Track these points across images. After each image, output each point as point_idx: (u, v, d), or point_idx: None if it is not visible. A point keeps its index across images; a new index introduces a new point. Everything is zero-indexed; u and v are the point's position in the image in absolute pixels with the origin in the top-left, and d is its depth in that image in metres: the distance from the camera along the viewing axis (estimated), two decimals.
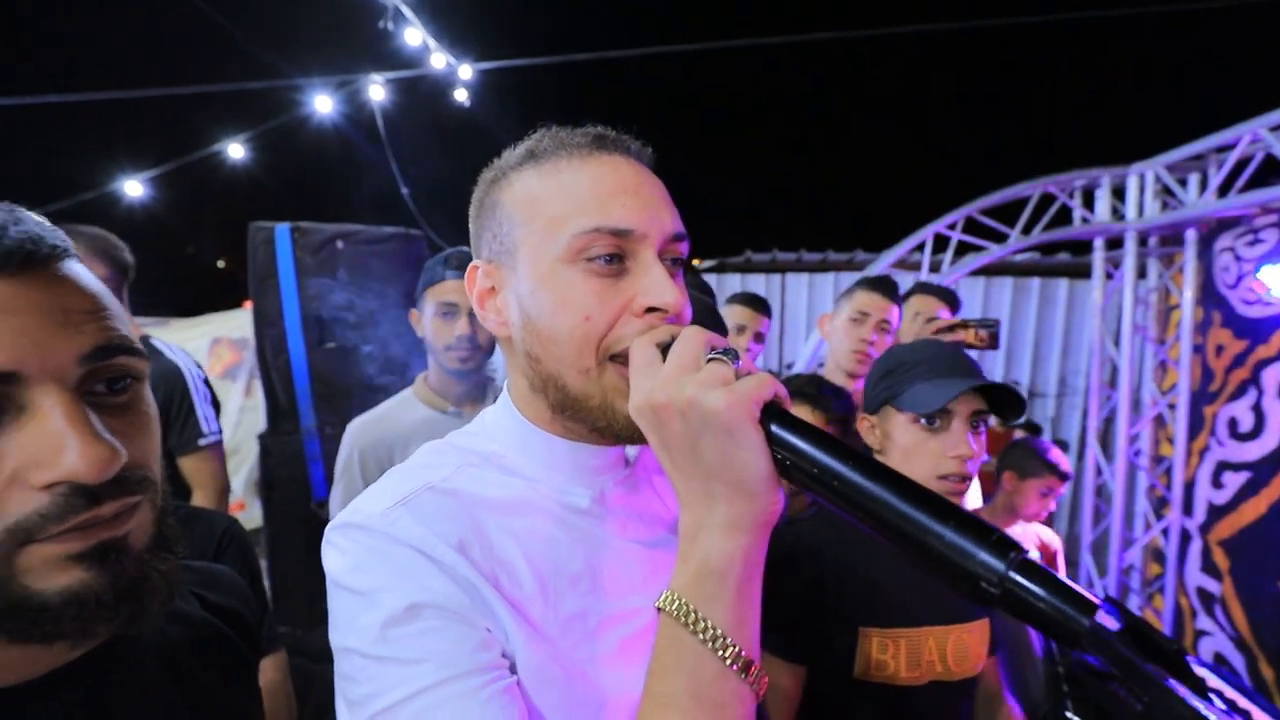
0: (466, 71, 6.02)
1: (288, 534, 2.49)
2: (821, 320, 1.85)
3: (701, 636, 0.48)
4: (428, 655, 0.50)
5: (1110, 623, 1.35)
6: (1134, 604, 3.52)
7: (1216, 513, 2.95)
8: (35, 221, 0.43)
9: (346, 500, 1.54)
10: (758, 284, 7.11)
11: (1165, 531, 3.26)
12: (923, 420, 1.03)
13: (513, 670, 0.53)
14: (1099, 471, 3.61)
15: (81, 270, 0.44)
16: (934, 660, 1.03)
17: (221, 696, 0.59)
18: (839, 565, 1.05)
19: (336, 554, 0.55)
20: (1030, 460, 1.98)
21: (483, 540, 0.56)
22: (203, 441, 1.82)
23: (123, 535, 0.42)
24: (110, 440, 0.41)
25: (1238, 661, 2.84)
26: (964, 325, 1.77)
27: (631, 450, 0.70)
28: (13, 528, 0.38)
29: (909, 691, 1.01)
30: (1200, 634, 3.04)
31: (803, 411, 1.37)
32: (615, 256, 0.57)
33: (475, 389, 1.62)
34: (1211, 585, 2.98)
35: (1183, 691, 1.05)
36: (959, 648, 1.03)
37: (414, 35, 4.97)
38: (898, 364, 1.09)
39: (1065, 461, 1.99)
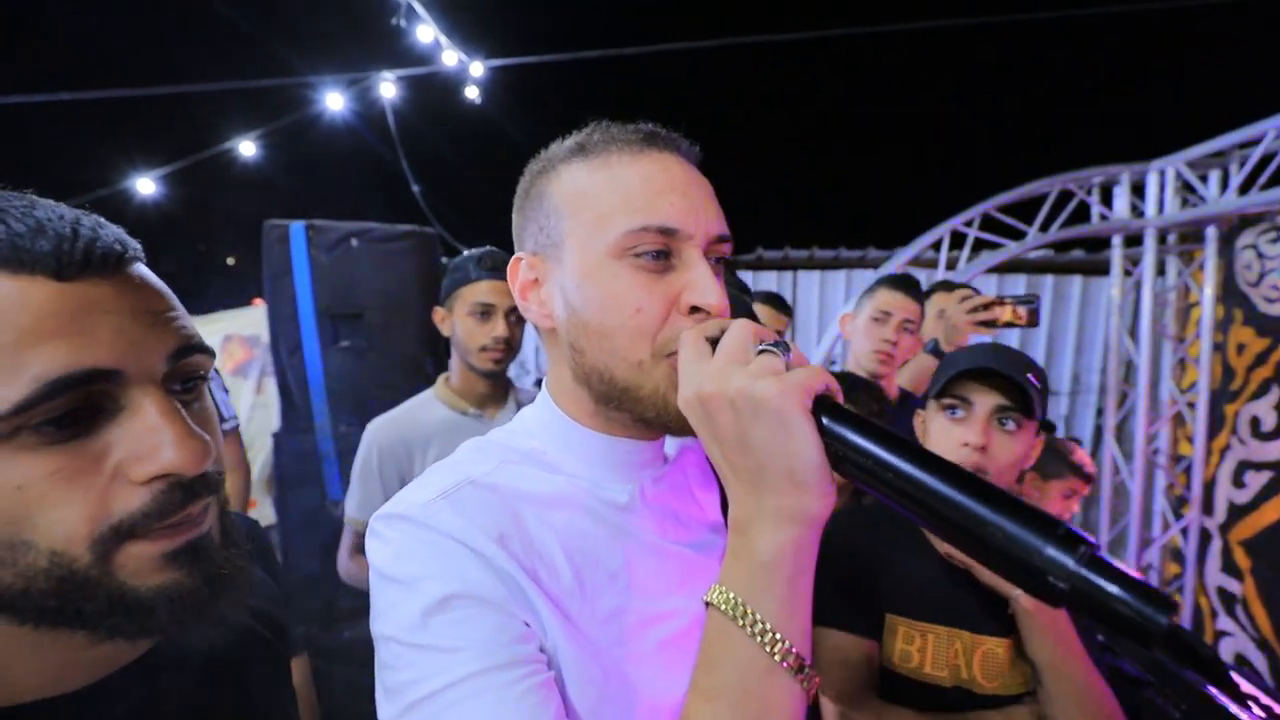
0: (478, 69, 6.01)
1: (301, 533, 2.49)
2: (843, 320, 1.82)
3: (750, 630, 0.47)
4: (467, 644, 0.50)
5: None
6: None
7: (1238, 512, 2.91)
8: (118, 229, 0.46)
9: (365, 499, 1.56)
10: (769, 281, 7.06)
11: (1184, 531, 3.22)
12: (947, 410, 1.04)
13: (549, 665, 0.53)
14: (1116, 470, 3.57)
15: (152, 273, 0.46)
16: (960, 665, 1.01)
17: (262, 699, 0.59)
18: (871, 555, 1.06)
19: (380, 544, 0.55)
20: (1053, 461, 1.95)
21: (522, 534, 0.56)
22: (225, 426, 1.79)
23: (206, 533, 0.44)
24: (202, 434, 0.43)
25: (1259, 662, 2.81)
26: (1001, 302, 1.74)
27: (670, 449, 0.69)
28: (117, 525, 0.40)
29: (934, 690, 1.00)
30: (1221, 634, 3.01)
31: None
32: (662, 253, 0.57)
33: (498, 391, 1.62)
34: (1232, 585, 2.95)
35: (1223, 700, 1.03)
36: (989, 660, 1.00)
37: (426, 32, 4.97)
38: (950, 361, 1.10)
39: (1090, 463, 1.96)
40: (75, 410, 0.39)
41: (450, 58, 5.53)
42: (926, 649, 1.01)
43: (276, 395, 2.60)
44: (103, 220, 0.45)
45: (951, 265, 3.66)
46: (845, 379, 1.44)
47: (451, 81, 6.07)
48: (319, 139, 6.70)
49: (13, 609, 0.39)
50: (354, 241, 2.47)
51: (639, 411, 0.59)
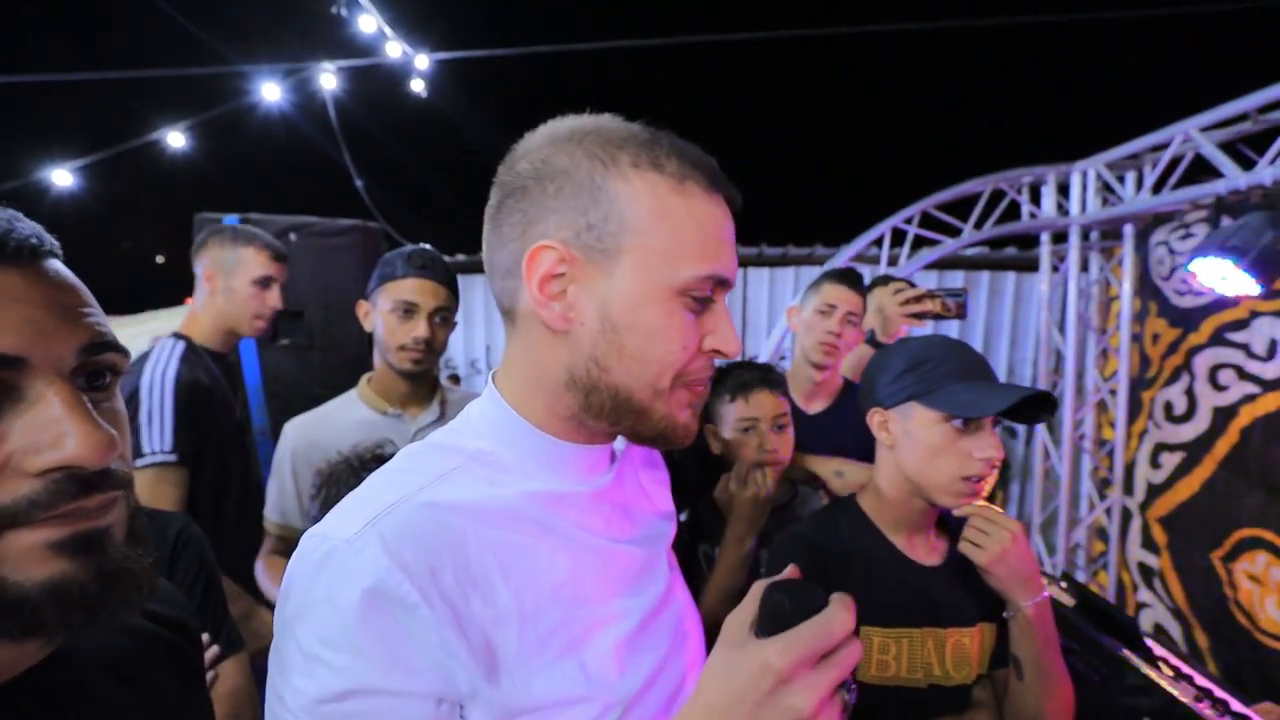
0: (423, 61, 5.87)
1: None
2: (790, 312, 1.87)
3: None
4: None
5: (1066, 599, 1.41)
6: (1080, 580, 3.70)
7: (1155, 491, 3.12)
8: (38, 226, 0.45)
9: (278, 500, 1.51)
10: None
11: (1108, 511, 3.43)
12: (956, 421, 0.99)
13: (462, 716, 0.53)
14: (1047, 455, 3.77)
15: (68, 270, 0.46)
16: (932, 663, 1.03)
17: (172, 702, 0.57)
18: (840, 564, 1.04)
19: (289, 582, 0.53)
20: None
21: (458, 559, 0.54)
22: (140, 461, 1.69)
23: (104, 527, 0.42)
24: (108, 428, 0.41)
25: (1175, 630, 3.01)
26: (932, 295, 1.80)
27: (618, 445, 0.70)
28: (5, 512, 0.38)
29: (909, 693, 1.01)
30: (1141, 605, 3.22)
31: (763, 397, 1.38)
32: (708, 299, 0.60)
33: (421, 391, 1.56)
34: (1151, 560, 3.15)
35: (1136, 661, 1.11)
36: (957, 651, 1.03)
37: (368, 22, 4.82)
38: (922, 360, 1.04)
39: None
40: None
41: (394, 49, 5.38)
42: (902, 655, 1.02)
43: None
44: (20, 215, 0.44)
45: (893, 261, 3.78)
46: (758, 366, 1.46)
47: (395, 74, 5.91)
48: (255, 131, 6.42)
49: None
50: (293, 236, 2.39)
51: (641, 429, 0.61)
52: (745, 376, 1.43)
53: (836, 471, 1.44)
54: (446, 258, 7.47)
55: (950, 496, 1.01)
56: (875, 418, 1.09)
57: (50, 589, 0.39)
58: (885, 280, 2.11)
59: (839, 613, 0.48)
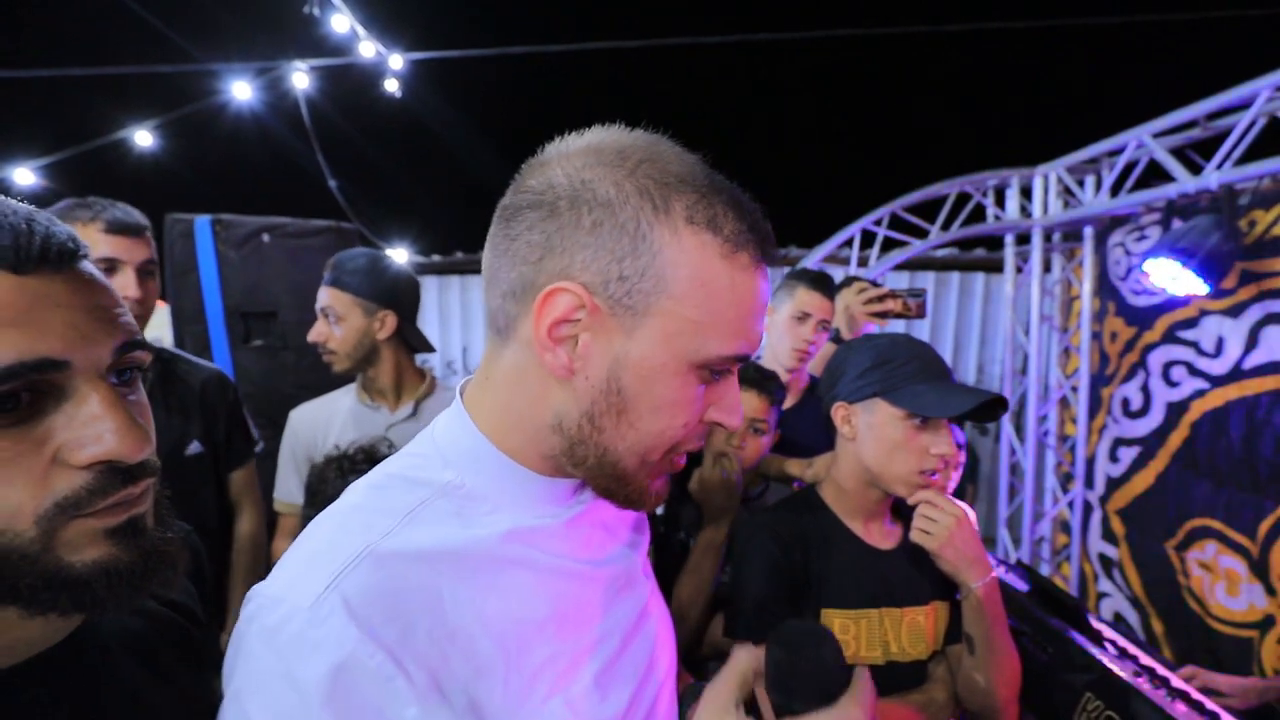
0: (397, 61, 5.84)
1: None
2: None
3: None
4: None
5: (1020, 585, 1.47)
6: (1044, 571, 3.82)
7: (1113, 484, 3.23)
8: (63, 224, 0.48)
9: (285, 483, 1.61)
10: None
11: (1071, 504, 3.54)
12: (916, 419, 1.05)
13: None
14: (1013, 451, 3.88)
15: (97, 270, 0.48)
16: (889, 640, 1.08)
17: (184, 680, 0.60)
18: (801, 549, 1.09)
19: (235, 658, 0.47)
20: None
21: (434, 615, 0.50)
22: (259, 449, 1.73)
23: (144, 512, 0.46)
24: (143, 424, 0.45)
25: (1133, 618, 3.13)
26: (893, 295, 1.86)
27: None
28: (61, 502, 0.42)
29: (877, 671, 1.05)
30: (1102, 595, 3.33)
31: (749, 397, 1.42)
32: (724, 371, 0.56)
33: (400, 385, 1.66)
34: (1110, 551, 3.27)
35: (1082, 641, 1.17)
36: (913, 629, 1.09)
37: (341, 22, 4.78)
38: (887, 359, 1.09)
39: (958, 433, 2.12)
40: (20, 395, 0.41)
41: (368, 49, 5.35)
42: (861, 635, 1.06)
43: None
44: (54, 218, 0.47)
45: (864, 263, 3.87)
46: (755, 366, 1.50)
47: (369, 74, 5.87)
48: (226, 131, 6.32)
49: None
50: (265, 237, 2.37)
51: (610, 491, 0.57)
52: (743, 372, 1.47)
53: (807, 464, 1.49)
54: (421, 259, 7.40)
55: (906, 488, 1.07)
56: (839, 412, 1.14)
57: (101, 569, 0.44)
58: (849, 281, 2.17)
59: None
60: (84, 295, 0.45)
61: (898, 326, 3.01)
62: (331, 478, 1.19)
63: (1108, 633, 1.47)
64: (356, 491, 0.57)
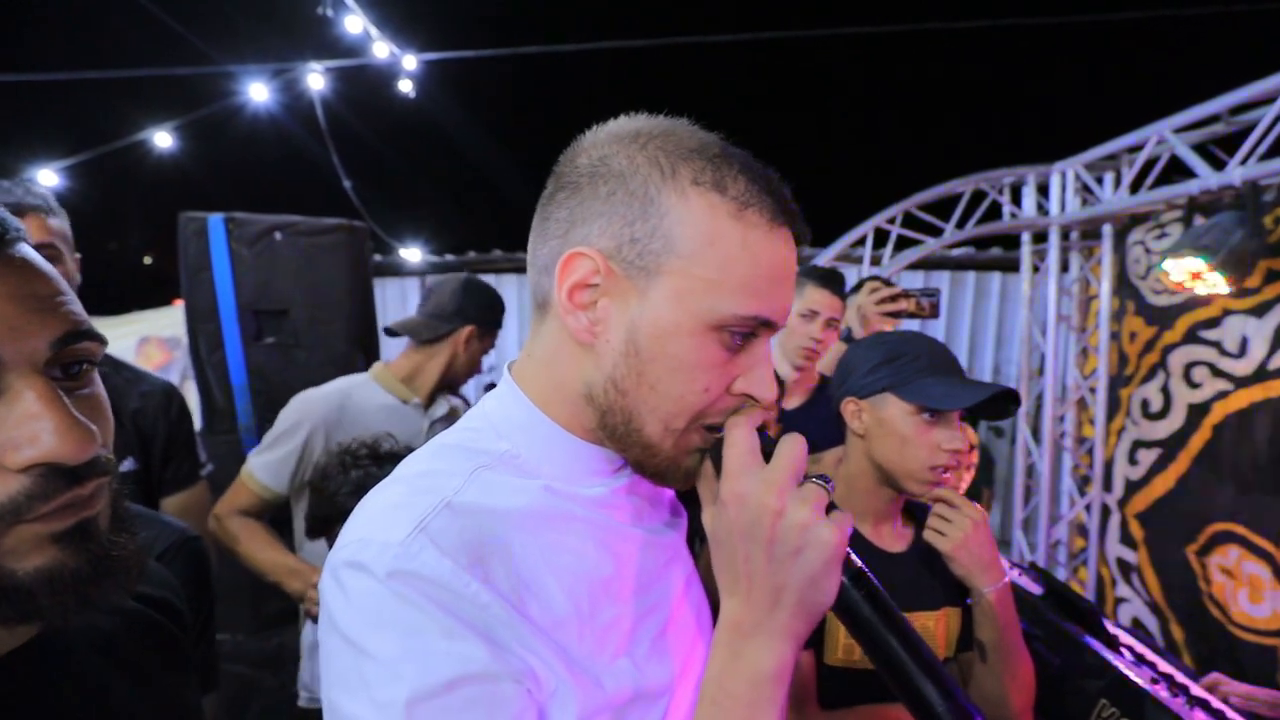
0: (411, 62, 5.87)
1: None
2: None
3: None
4: None
5: (1034, 588, 1.44)
6: (1061, 576, 3.75)
7: (1132, 488, 3.17)
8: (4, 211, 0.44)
9: (278, 464, 1.51)
10: None
11: (1088, 507, 3.48)
12: (926, 414, 1.03)
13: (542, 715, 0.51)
14: (1029, 453, 3.82)
15: (36, 254, 0.44)
16: None
17: (159, 680, 0.58)
18: None
19: (343, 599, 0.49)
20: None
21: (508, 564, 0.52)
22: (204, 472, 1.60)
23: (94, 515, 0.43)
24: (86, 422, 0.41)
25: (1152, 624, 3.06)
26: (906, 295, 1.84)
27: None
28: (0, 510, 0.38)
29: (875, 675, 1.03)
30: (1120, 600, 3.27)
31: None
32: (747, 336, 0.56)
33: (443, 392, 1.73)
34: (1129, 555, 3.20)
35: (1096, 646, 1.14)
36: (922, 635, 1.06)
37: (355, 23, 4.82)
38: (898, 354, 1.08)
39: (968, 432, 2.08)
40: None
41: (381, 50, 5.39)
42: None
43: (197, 398, 2.48)
44: None
45: (876, 261, 3.83)
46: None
47: (383, 75, 5.91)
48: (242, 132, 6.40)
49: None
50: (278, 235, 2.39)
51: (641, 463, 0.58)
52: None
53: (815, 459, 1.47)
54: (434, 258, 7.45)
55: (917, 485, 1.04)
56: (849, 407, 1.12)
57: (44, 575, 0.40)
58: (864, 282, 2.14)
59: (790, 439, 0.52)
60: (12, 282, 0.41)
61: (911, 326, 2.97)
62: (335, 474, 1.20)
63: (1125, 638, 1.44)
64: (418, 461, 0.59)
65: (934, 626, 1.06)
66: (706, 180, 0.54)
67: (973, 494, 4.68)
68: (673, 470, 0.58)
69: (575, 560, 0.56)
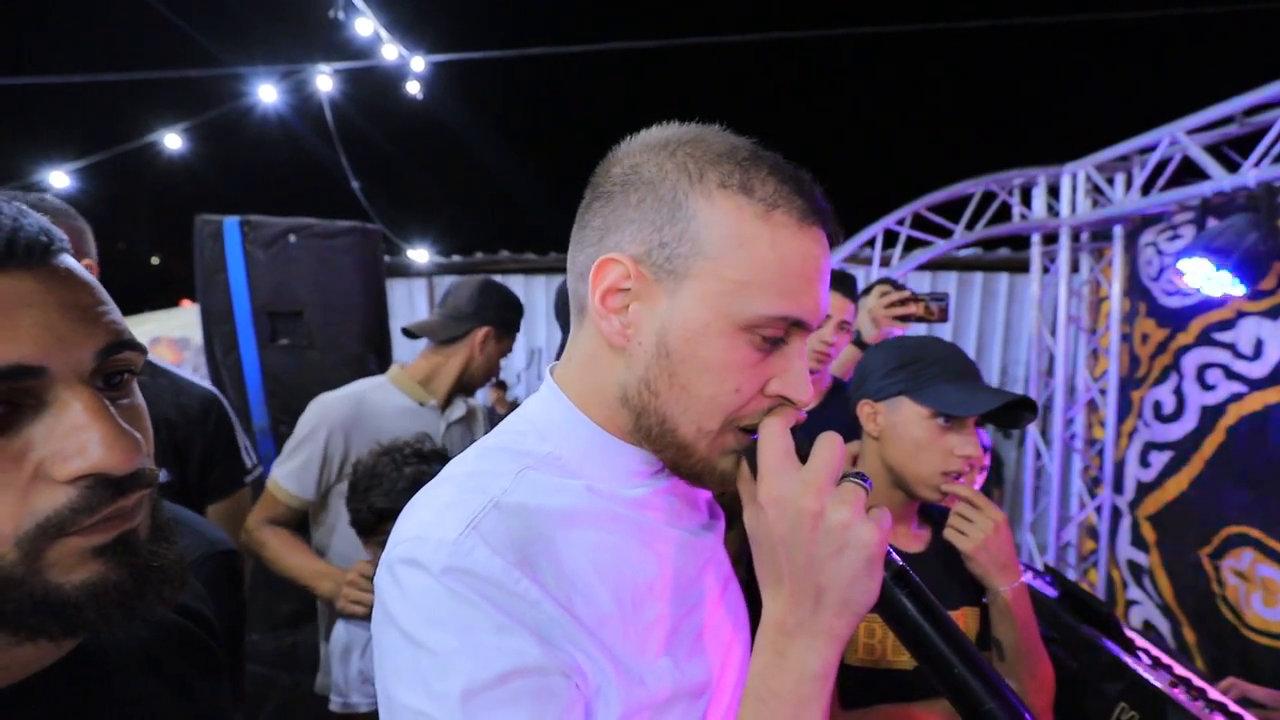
0: (419, 64, 5.90)
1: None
2: None
3: None
4: None
5: (1050, 591, 1.44)
6: (1071, 578, 3.75)
7: (1144, 490, 3.16)
8: (36, 214, 0.43)
9: (301, 472, 1.52)
10: None
11: (1099, 509, 3.47)
12: (941, 419, 1.04)
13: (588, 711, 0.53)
14: (1038, 455, 3.81)
15: (79, 264, 0.44)
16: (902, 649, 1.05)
17: (197, 691, 0.59)
18: None
19: (399, 595, 0.51)
20: None
21: (554, 562, 0.54)
22: (250, 477, 1.59)
23: (135, 527, 0.43)
24: (132, 432, 0.41)
25: (1164, 627, 3.05)
26: (915, 299, 1.84)
27: None
28: (44, 523, 0.38)
29: (896, 675, 1.03)
30: (1131, 603, 3.25)
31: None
32: (779, 339, 0.56)
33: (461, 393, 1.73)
34: (1140, 557, 3.19)
35: (1114, 649, 1.14)
36: None
37: (365, 25, 4.84)
38: (915, 358, 1.09)
39: (983, 435, 2.07)
40: None
41: (390, 52, 5.41)
42: (887, 639, 1.04)
43: None
44: (25, 209, 0.43)
45: (886, 263, 3.83)
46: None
47: (392, 76, 5.93)
48: (252, 133, 6.44)
49: None
50: (292, 237, 2.41)
51: (677, 464, 0.59)
52: None
53: None
54: (441, 259, 7.47)
55: (929, 490, 1.05)
56: (865, 409, 1.13)
57: (89, 590, 0.40)
58: (878, 283, 2.14)
59: (826, 438, 0.53)
60: (59, 293, 0.40)
61: (919, 330, 2.97)
62: (388, 471, 1.24)
63: (1140, 641, 1.44)
64: (465, 462, 0.60)
65: None
66: (734, 183, 0.55)
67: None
68: (709, 472, 0.59)
69: (617, 559, 0.57)
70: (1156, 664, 1.29)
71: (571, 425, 0.61)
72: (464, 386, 1.72)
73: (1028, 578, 1.53)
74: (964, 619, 1.08)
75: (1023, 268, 5.61)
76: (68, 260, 0.43)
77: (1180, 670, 1.31)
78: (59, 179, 6.30)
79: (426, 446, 1.36)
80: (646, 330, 0.56)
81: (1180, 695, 1.09)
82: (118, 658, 0.52)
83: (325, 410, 1.55)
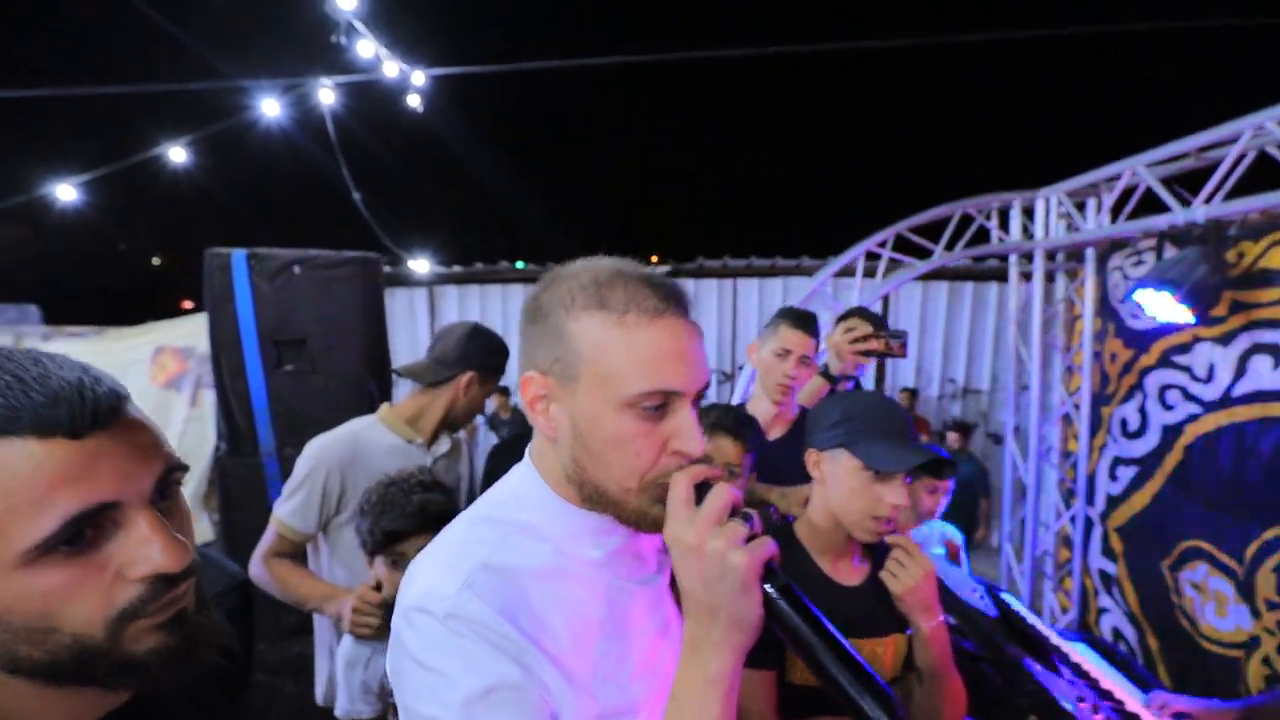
0: (420, 78, 6.04)
1: (248, 553, 2.55)
2: (750, 349, 2.03)
3: None
4: None
5: (991, 611, 1.58)
6: (1047, 587, 3.88)
7: (1113, 502, 3.29)
8: (103, 373, 0.56)
9: (303, 509, 1.66)
10: (710, 289, 7.34)
11: (1073, 519, 3.60)
12: (871, 472, 1.16)
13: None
14: (1016, 467, 3.94)
15: (138, 409, 0.57)
16: None
17: (227, 716, 0.73)
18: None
19: (415, 634, 0.67)
20: None
21: (529, 610, 0.69)
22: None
23: (186, 605, 0.57)
24: (181, 539, 0.55)
25: (1131, 634, 3.19)
26: (877, 336, 1.97)
27: None
28: (123, 611, 0.53)
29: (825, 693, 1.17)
30: (1102, 610, 3.39)
31: (725, 442, 1.54)
32: (661, 406, 0.69)
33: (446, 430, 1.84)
34: (1109, 567, 3.33)
35: (1033, 668, 1.28)
36: (872, 659, 1.20)
37: (367, 48, 4.98)
38: (853, 415, 1.21)
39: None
40: (85, 533, 0.51)
41: (391, 69, 5.55)
42: None
43: (213, 408, 2.63)
44: (98, 375, 0.55)
45: (870, 274, 3.95)
46: (734, 413, 1.62)
47: (393, 90, 6.07)
48: (254, 145, 6.58)
49: (37, 675, 0.53)
50: (296, 269, 2.54)
51: (619, 517, 0.73)
52: (719, 418, 1.59)
53: (780, 494, 1.61)
54: (442, 269, 7.56)
55: (862, 532, 1.19)
56: (811, 456, 1.27)
57: (155, 655, 0.54)
58: (848, 314, 2.27)
59: (717, 489, 0.67)
60: (128, 442, 0.53)
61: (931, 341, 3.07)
62: (398, 499, 1.40)
63: (1078, 656, 1.57)
64: (459, 527, 0.76)
65: (883, 652, 1.20)
66: (593, 304, 0.70)
67: (968, 508, 4.83)
68: (643, 519, 0.73)
69: (578, 606, 0.72)
70: (1085, 680, 1.43)
71: (541, 499, 0.76)
72: (449, 425, 1.82)
73: (975, 598, 1.66)
74: (894, 644, 1.21)
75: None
76: (131, 411, 0.56)
77: (1108, 685, 1.45)
78: (66, 192, 6.44)
79: (427, 478, 1.51)
80: (564, 423, 0.72)
81: (1084, 709, 1.23)
82: (169, 697, 0.65)
83: (322, 452, 1.68)
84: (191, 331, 5.80)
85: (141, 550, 0.53)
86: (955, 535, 2.30)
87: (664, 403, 0.70)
